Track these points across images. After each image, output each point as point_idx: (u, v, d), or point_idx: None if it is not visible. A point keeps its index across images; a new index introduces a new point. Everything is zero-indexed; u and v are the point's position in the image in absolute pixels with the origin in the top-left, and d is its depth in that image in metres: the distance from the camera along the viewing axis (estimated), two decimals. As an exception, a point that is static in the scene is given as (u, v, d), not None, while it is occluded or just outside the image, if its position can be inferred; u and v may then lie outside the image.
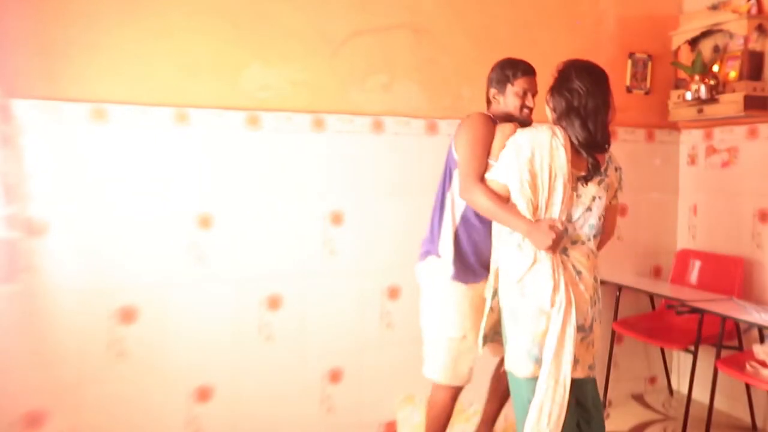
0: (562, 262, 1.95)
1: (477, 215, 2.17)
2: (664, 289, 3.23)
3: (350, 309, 2.88)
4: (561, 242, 1.94)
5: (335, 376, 2.87)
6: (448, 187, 2.26)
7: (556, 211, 1.93)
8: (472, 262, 2.22)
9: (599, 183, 2.00)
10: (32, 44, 2.36)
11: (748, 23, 2.93)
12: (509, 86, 2.21)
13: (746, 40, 2.98)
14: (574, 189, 1.96)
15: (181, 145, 2.58)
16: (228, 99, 2.64)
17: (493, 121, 2.21)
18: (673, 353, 3.55)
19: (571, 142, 1.94)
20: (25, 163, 2.37)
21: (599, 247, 2.11)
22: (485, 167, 2.08)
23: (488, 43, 3.02)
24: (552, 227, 1.89)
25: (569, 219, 1.97)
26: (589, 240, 2.01)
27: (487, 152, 2.10)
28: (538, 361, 1.93)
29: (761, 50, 3.02)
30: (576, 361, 1.95)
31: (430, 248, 2.29)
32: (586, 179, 1.96)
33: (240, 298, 2.69)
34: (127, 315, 2.52)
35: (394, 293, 2.95)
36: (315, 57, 2.77)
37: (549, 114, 2.05)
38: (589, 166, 1.95)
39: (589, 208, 1.99)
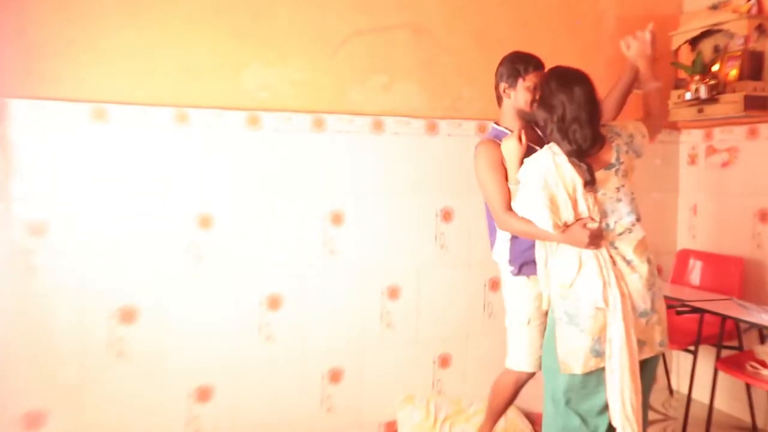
0: (611, 257, 2.00)
1: None
2: (664, 289, 3.22)
3: (350, 309, 2.88)
4: (602, 237, 1.99)
5: (335, 376, 2.87)
6: None
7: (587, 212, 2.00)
8: (529, 260, 2.26)
9: (616, 173, 2.04)
10: (32, 44, 2.37)
11: (748, 23, 2.93)
12: (520, 81, 2.22)
13: (746, 40, 2.97)
14: (595, 191, 2.00)
15: (181, 145, 2.58)
16: (228, 99, 2.64)
17: (498, 137, 2.24)
18: (673, 353, 3.54)
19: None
20: (24, 163, 2.37)
21: (661, 114, 2.26)
22: (507, 193, 2.13)
23: (488, 43, 3.01)
24: (584, 226, 1.95)
25: (604, 216, 2.02)
26: (634, 225, 2.05)
27: (504, 176, 2.15)
28: (600, 355, 1.98)
29: (761, 50, 3.01)
30: (642, 344, 2.01)
31: (493, 250, 2.42)
32: (593, 183, 1.99)
33: (240, 298, 2.69)
34: (127, 315, 2.52)
35: (394, 293, 2.95)
36: (315, 57, 2.77)
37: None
38: (586, 175, 1.98)
39: (618, 199, 2.04)
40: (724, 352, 2.77)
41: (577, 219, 1.98)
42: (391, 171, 2.92)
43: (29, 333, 2.39)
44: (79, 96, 2.43)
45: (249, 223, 2.69)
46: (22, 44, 2.35)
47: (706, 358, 2.97)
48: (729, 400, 3.18)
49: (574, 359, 2.02)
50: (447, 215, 3.01)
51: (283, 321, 2.76)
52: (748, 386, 3.00)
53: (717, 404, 2.91)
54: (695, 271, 3.34)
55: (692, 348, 2.88)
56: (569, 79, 2.02)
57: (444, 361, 3.06)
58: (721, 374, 2.72)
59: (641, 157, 2.15)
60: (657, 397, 3.46)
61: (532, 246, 2.19)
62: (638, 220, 2.06)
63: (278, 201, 2.74)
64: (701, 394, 3.12)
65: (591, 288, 1.97)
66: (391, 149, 2.90)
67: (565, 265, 2.03)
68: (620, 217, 2.03)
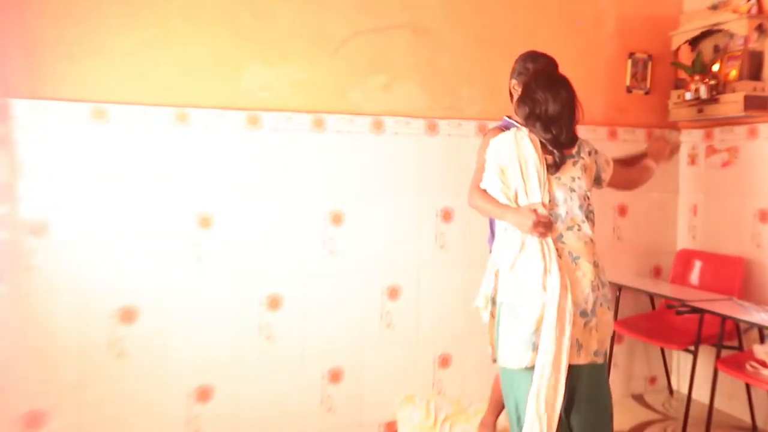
0: (557, 249, 2.02)
1: None
2: (664, 289, 3.23)
3: (350, 309, 2.88)
4: (549, 226, 2.03)
5: (335, 376, 2.87)
6: None
7: (537, 196, 2.04)
8: None
9: (574, 164, 2.13)
10: (33, 45, 2.37)
11: (748, 23, 2.93)
12: None
13: (746, 40, 2.98)
14: (551, 174, 2.08)
15: (181, 145, 2.58)
16: (228, 99, 2.64)
17: (507, 127, 2.28)
18: (673, 353, 3.54)
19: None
20: (24, 163, 2.37)
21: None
22: None
23: (488, 43, 3.02)
24: (533, 210, 2.01)
25: (556, 203, 2.07)
26: (583, 223, 2.09)
27: None
28: (537, 349, 1.97)
29: (761, 50, 3.02)
30: (579, 347, 2.00)
31: (491, 247, 2.41)
32: (557, 167, 2.09)
33: (240, 298, 2.69)
34: (127, 315, 2.52)
35: (394, 293, 2.95)
36: (315, 57, 2.77)
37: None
38: (556, 159, 2.09)
39: (572, 189, 2.09)
40: (724, 352, 2.77)
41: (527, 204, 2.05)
42: (391, 171, 2.91)
43: (29, 333, 2.39)
44: (80, 96, 2.43)
45: (249, 222, 2.69)
46: (24, 45, 2.35)
47: (706, 358, 2.98)
48: (729, 400, 3.18)
49: (514, 353, 2.01)
50: (447, 215, 3.01)
51: (283, 321, 2.76)
52: (748, 386, 3.00)
53: (717, 404, 2.91)
54: (695, 271, 3.34)
55: (692, 348, 2.88)
56: (554, 81, 2.15)
57: (444, 361, 3.06)
58: (721, 374, 2.71)
59: (601, 186, 2.26)
60: (657, 397, 3.47)
61: None
62: (588, 219, 2.10)
63: (278, 201, 2.74)
64: (701, 394, 3.12)
65: (532, 272, 1.99)
66: (391, 149, 2.90)
67: (507, 247, 2.08)
68: (571, 208, 2.08)
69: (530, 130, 2.10)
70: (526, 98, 2.15)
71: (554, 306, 1.94)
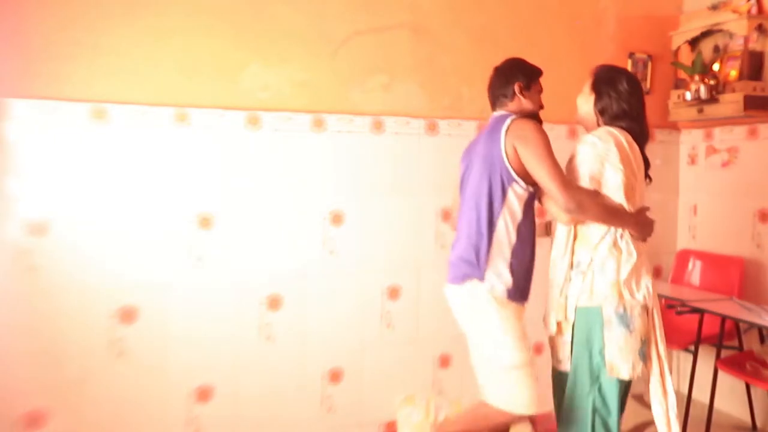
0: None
1: (529, 234, 2.08)
2: (664, 289, 3.23)
3: (350, 309, 2.88)
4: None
5: (335, 376, 2.87)
6: (502, 205, 2.03)
7: (643, 201, 2.04)
8: (525, 281, 2.10)
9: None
10: (33, 44, 2.37)
11: (748, 23, 2.94)
12: (534, 85, 2.25)
13: (746, 40, 2.98)
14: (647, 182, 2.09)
15: (181, 145, 2.58)
16: (228, 99, 2.65)
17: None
18: (673, 353, 3.54)
19: None
20: (24, 163, 2.37)
21: None
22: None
23: (488, 43, 3.02)
24: (646, 215, 2.00)
25: None
26: None
27: None
28: (646, 360, 1.98)
29: (761, 50, 3.02)
30: None
31: (470, 272, 2.07)
32: (648, 171, 2.07)
33: (240, 298, 2.69)
34: (127, 315, 2.52)
35: (394, 293, 2.95)
36: (315, 57, 2.77)
37: (590, 114, 2.08)
38: (645, 162, 2.05)
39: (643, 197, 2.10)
40: (724, 352, 2.77)
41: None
42: (391, 171, 2.92)
43: (30, 333, 2.39)
44: (79, 96, 2.43)
45: (249, 223, 2.69)
46: (22, 44, 2.36)
47: (706, 358, 2.98)
48: (729, 400, 3.18)
49: (623, 363, 1.94)
50: (447, 215, 3.01)
51: (283, 321, 2.76)
52: (748, 386, 3.00)
53: (717, 404, 2.91)
54: (695, 271, 3.35)
55: (692, 348, 2.88)
56: (639, 84, 2.10)
57: (444, 361, 3.06)
58: (721, 374, 2.72)
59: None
60: (657, 397, 3.46)
61: (531, 265, 2.09)
62: None
63: (278, 201, 2.74)
64: (701, 394, 3.12)
65: (642, 284, 1.96)
66: (391, 149, 2.90)
67: (617, 261, 1.95)
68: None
69: (628, 131, 2.00)
70: (610, 90, 2.04)
71: (659, 314, 1.97)
